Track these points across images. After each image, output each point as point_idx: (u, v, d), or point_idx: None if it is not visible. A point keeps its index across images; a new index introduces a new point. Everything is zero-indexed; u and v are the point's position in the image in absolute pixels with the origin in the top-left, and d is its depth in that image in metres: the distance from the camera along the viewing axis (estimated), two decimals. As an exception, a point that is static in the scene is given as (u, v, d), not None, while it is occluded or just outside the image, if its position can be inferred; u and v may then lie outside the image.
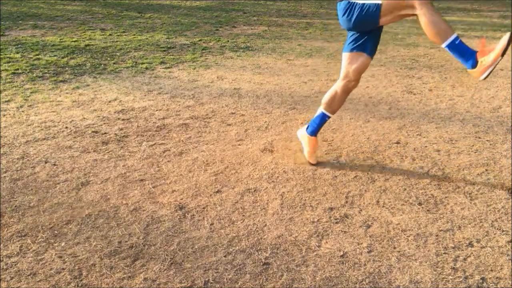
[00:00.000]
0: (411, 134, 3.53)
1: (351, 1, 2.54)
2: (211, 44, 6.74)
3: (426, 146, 3.31)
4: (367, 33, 2.64)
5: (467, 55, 2.37)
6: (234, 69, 5.40)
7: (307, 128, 3.01)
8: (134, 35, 7.16)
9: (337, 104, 2.86)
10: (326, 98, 2.87)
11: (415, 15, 2.40)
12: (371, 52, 2.71)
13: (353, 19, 2.54)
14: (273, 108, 4.07)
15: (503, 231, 2.34)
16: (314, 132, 2.97)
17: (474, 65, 2.36)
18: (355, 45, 2.67)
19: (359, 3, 2.50)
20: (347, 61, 2.73)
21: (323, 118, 2.92)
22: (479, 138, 3.46)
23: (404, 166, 3.01)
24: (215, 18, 8.99)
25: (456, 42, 2.37)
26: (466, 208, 2.54)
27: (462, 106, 4.17)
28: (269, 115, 3.91)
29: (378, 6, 2.42)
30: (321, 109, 2.91)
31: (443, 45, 2.39)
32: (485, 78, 2.31)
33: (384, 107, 4.13)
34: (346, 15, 2.57)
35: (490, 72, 2.32)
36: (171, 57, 5.89)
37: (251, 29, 8.06)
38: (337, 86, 2.81)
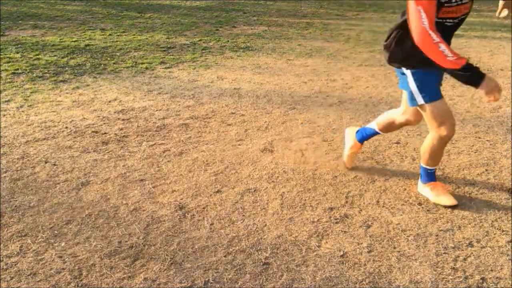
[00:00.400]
0: (411, 134, 3.52)
1: (405, 72, 2.41)
2: (211, 44, 6.74)
3: (426, 146, 3.31)
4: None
5: (427, 179, 2.61)
6: (234, 69, 5.40)
7: (357, 132, 2.93)
8: (134, 35, 7.16)
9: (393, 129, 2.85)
10: (383, 121, 2.80)
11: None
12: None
13: (401, 85, 2.49)
14: (273, 108, 4.07)
15: (503, 231, 2.34)
16: (361, 140, 2.91)
17: (423, 183, 2.63)
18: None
19: (409, 87, 2.40)
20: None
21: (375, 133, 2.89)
22: (479, 138, 3.46)
23: (404, 166, 3.01)
24: (215, 18, 8.99)
25: (429, 171, 2.60)
26: (466, 208, 2.54)
27: (462, 106, 4.17)
28: (269, 115, 3.91)
29: (418, 103, 2.39)
30: (375, 128, 2.85)
31: (422, 165, 2.60)
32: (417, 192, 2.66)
33: (384, 107, 4.13)
34: (399, 75, 2.50)
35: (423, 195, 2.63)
36: (171, 57, 5.89)
37: (251, 29, 8.06)
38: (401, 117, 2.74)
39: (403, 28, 2.30)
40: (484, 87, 2.16)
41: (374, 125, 2.84)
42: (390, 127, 2.80)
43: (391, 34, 2.41)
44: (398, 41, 2.37)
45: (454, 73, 2.20)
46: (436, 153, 2.50)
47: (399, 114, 2.72)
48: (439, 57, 2.12)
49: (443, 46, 2.10)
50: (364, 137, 2.89)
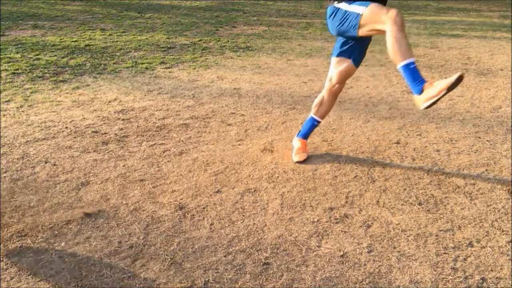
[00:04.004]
0: (411, 134, 3.53)
1: (338, 7, 2.59)
2: (211, 44, 6.74)
3: (426, 146, 3.31)
4: (354, 41, 2.73)
5: (417, 82, 2.35)
6: (234, 69, 5.40)
7: (298, 133, 3.15)
8: (134, 35, 7.16)
9: (325, 108, 3.00)
10: (315, 102, 3.03)
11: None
12: (356, 61, 2.79)
13: (337, 24, 2.60)
14: (273, 108, 4.07)
15: (503, 231, 2.34)
16: (304, 135, 3.11)
17: (420, 92, 2.33)
18: (341, 50, 2.78)
19: (343, 10, 2.55)
20: (333, 65, 2.85)
21: (312, 122, 3.06)
22: (479, 138, 3.46)
23: (404, 166, 3.01)
24: (215, 18, 8.99)
25: (411, 66, 2.36)
26: (466, 208, 2.54)
27: (462, 106, 4.17)
28: (269, 115, 3.91)
29: (359, 16, 2.47)
30: (310, 114, 3.06)
31: (399, 66, 2.39)
32: (426, 108, 2.30)
33: (384, 107, 4.13)
34: (331, 19, 2.64)
35: (433, 103, 2.28)
36: (171, 57, 5.89)
37: (251, 29, 8.06)
38: (324, 90, 2.96)
39: None
40: None
41: (310, 114, 3.07)
42: (321, 104, 3.00)
43: None
44: None
45: None
46: (404, 38, 2.37)
47: (325, 86, 2.95)
48: None
49: None
50: (305, 131, 3.10)
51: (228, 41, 6.95)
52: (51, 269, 2.03)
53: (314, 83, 4.83)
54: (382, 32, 2.46)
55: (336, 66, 2.82)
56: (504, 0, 12.45)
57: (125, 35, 7.15)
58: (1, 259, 2.09)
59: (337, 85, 2.88)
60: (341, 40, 2.78)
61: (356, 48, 2.75)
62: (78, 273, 2.01)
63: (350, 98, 4.34)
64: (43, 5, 10.08)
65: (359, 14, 2.46)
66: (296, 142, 3.12)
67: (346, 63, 2.78)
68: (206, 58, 5.88)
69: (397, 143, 3.37)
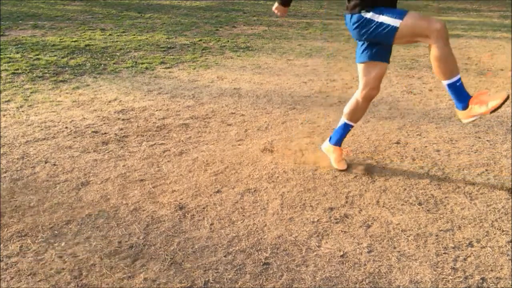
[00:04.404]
0: (411, 134, 3.53)
1: (366, 16, 2.46)
2: (211, 44, 6.74)
3: (426, 146, 3.31)
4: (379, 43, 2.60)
5: (462, 98, 2.41)
6: (234, 69, 5.40)
7: (330, 139, 2.97)
8: (134, 35, 7.16)
9: (360, 113, 2.84)
10: (348, 108, 2.83)
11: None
12: (387, 58, 2.66)
13: (366, 34, 2.50)
14: (273, 108, 4.07)
15: (503, 231, 2.34)
16: (338, 142, 2.94)
17: (464, 108, 2.42)
18: (369, 54, 2.61)
19: (376, 21, 2.43)
20: (364, 71, 2.68)
21: (347, 128, 2.90)
22: (479, 138, 3.46)
23: (404, 166, 3.01)
24: (215, 18, 8.99)
25: (458, 84, 2.40)
26: (466, 208, 2.54)
27: (462, 106, 4.17)
28: (269, 115, 3.91)
29: (395, 29, 2.37)
30: (343, 120, 2.88)
31: (444, 83, 2.41)
32: (468, 123, 2.41)
33: (384, 107, 4.13)
34: (359, 29, 2.51)
35: (474, 120, 2.41)
36: (171, 57, 5.89)
37: (251, 29, 8.06)
38: (358, 95, 2.76)
39: None
40: None
41: (342, 120, 2.90)
42: (356, 109, 2.80)
43: None
44: None
45: None
46: (451, 54, 2.35)
47: (360, 91, 2.75)
48: None
49: None
50: (339, 138, 2.93)
51: (228, 41, 6.95)
52: (51, 269, 2.03)
53: (314, 83, 4.83)
54: (421, 41, 2.44)
55: (369, 71, 2.65)
56: (504, 0, 12.45)
57: (125, 35, 7.15)
58: (1, 259, 2.09)
59: (375, 90, 2.72)
60: (364, 44, 2.62)
61: (383, 47, 2.61)
62: (78, 273, 2.01)
63: (350, 98, 4.34)
64: (43, 5, 10.07)
65: (395, 27, 2.36)
66: (332, 152, 2.95)
67: (379, 65, 2.63)
68: (206, 58, 5.88)
69: (397, 143, 3.36)
